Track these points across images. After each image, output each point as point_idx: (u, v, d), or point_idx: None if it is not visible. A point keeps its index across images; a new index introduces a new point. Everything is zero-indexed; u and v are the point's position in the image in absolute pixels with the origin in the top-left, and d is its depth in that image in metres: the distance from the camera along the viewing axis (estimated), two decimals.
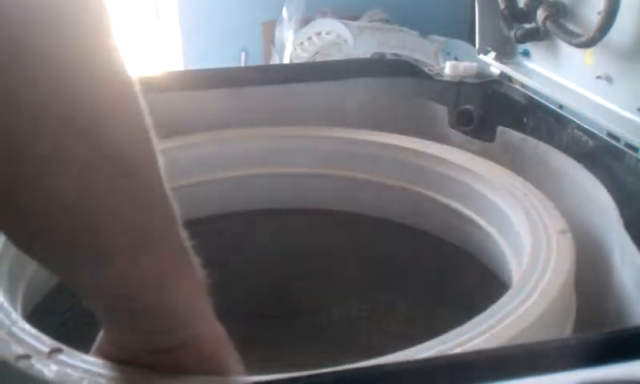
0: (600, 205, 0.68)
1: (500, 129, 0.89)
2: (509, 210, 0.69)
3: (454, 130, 0.93)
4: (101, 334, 0.47)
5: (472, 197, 0.75)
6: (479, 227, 0.74)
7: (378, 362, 0.43)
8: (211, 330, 0.46)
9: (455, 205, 0.78)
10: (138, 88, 0.39)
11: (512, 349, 0.40)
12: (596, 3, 0.79)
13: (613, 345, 0.39)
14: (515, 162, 0.83)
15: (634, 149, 0.73)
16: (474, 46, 1.02)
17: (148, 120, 0.40)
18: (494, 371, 0.36)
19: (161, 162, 0.41)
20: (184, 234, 0.43)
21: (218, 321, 0.47)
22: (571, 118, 0.82)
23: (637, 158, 0.70)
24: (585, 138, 0.78)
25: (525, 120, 0.90)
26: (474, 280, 0.74)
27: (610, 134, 0.77)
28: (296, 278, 0.92)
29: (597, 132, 0.78)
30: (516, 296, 0.54)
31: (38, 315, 0.63)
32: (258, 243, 0.90)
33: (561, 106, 0.86)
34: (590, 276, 0.65)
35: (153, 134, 0.40)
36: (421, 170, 0.81)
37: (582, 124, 0.80)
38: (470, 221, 0.76)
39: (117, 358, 0.45)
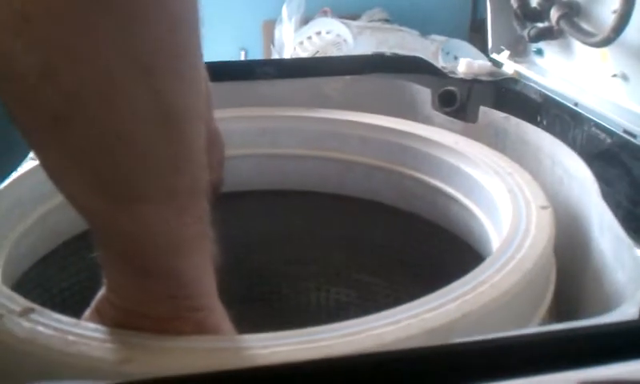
0: (579, 178, 0.69)
1: (482, 109, 0.90)
2: (492, 189, 0.69)
3: (436, 112, 0.93)
4: (99, 295, 0.46)
5: (457, 177, 0.76)
6: (464, 207, 0.75)
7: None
8: (212, 309, 0.46)
9: (441, 185, 0.78)
10: (200, 47, 0.40)
11: (512, 348, 0.40)
12: (610, 2, 0.80)
13: (613, 344, 0.39)
14: (498, 141, 0.85)
15: None
16: (474, 45, 1.03)
17: (202, 84, 0.40)
18: (493, 371, 0.36)
19: (203, 126, 0.41)
20: (207, 206, 0.43)
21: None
22: (587, 115, 0.83)
23: None
24: (601, 135, 0.79)
25: (539, 118, 0.91)
26: (460, 260, 0.74)
27: (626, 131, 0.78)
28: (280, 260, 0.91)
29: (613, 129, 0.78)
30: (491, 266, 0.54)
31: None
32: (242, 225, 0.88)
33: (576, 104, 0.87)
34: (569, 245, 0.66)
35: (202, 96, 0.41)
36: (407, 150, 0.81)
37: (598, 121, 0.80)
38: (455, 201, 0.76)
39: (114, 319, 0.45)
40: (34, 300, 0.48)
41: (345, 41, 2.30)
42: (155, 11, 0.36)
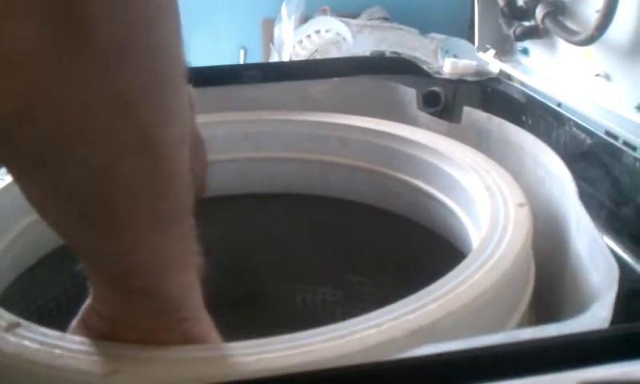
0: (558, 178, 0.69)
1: (466, 109, 0.89)
2: (471, 187, 0.70)
3: (422, 112, 0.93)
4: (86, 304, 0.47)
5: (437, 176, 0.76)
6: (444, 205, 0.75)
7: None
8: (198, 319, 0.46)
9: (421, 184, 0.79)
10: (183, 73, 0.39)
11: (511, 348, 0.40)
12: (595, 1, 0.79)
13: (613, 344, 0.39)
14: (481, 141, 0.85)
15: (632, 147, 0.73)
16: (474, 44, 1.02)
17: (185, 108, 0.40)
18: (493, 371, 0.36)
19: (187, 147, 0.41)
20: (193, 222, 0.44)
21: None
22: (569, 116, 0.82)
23: (635, 157, 0.70)
24: (583, 136, 0.79)
25: (523, 118, 0.90)
26: (442, 258, 0.75)
27: (608, 133, 0.77)
28: (263, 263, 0.92)
29: (595, 130, 0.78)
30: (470, 265, 0.54)
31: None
32: (226, 230, 0.88)
33: (559, 104, 0.86)
34: (549, 246, 0.66)
35: (186, 121, 0.41)
36: (387, 151, 0.82)
37: (581, 122, 0.80)
38: (435, 199, 0.77)
39: (100, 330, 0.45)
40: (20, 313, 0.49)
41: (344, 39, 2.29)
42: (135, 48, 0.35)
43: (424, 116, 0.93)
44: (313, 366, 0.42)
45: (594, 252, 0.58)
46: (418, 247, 0.82)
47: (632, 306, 0.52)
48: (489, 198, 0.65)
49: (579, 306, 0.60)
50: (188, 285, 0.45)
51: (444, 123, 0.91)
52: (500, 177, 0.69)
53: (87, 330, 0.46)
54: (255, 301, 0.93)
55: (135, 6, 0.34)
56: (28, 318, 0.48)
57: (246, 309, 0.92)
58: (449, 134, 0.83)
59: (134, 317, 0.44)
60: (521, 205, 0.63)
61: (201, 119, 0.79)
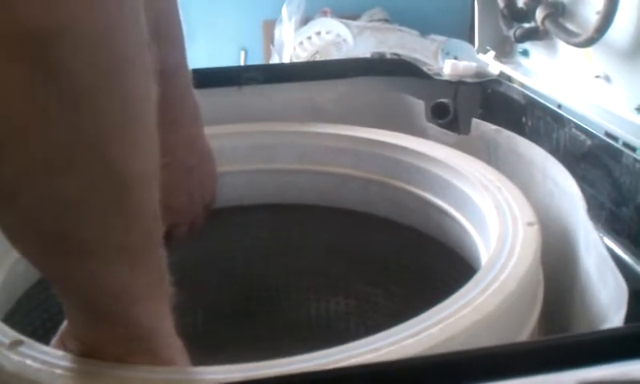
0: (568, 194, 0.69)
1: (474, 121, 0.90)
2: (481, 203, 0.70)
3: (430, 124, 0.94)
4: (63, 325, 0.48)
5: (449, 191, 0.76)
6: (456, 221, 0.75)
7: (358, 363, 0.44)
8: (168, 346, 0.47)
9: (432, 198, 0.79)
10: (154, 109, 0.40)
11: (511, 348, 0.40)
12: (595, 3, 0.79)
13: (613, 344, 0.39)
14: (490, 153, 0.85)
15: (632, 148, 0.73)
16: (474, 45, 1.02)
17: (156, 143, 0.41)
18: (493, 371, 0.36)
19: (157, 181, 0.42)
20: (163, 253, 0.45)
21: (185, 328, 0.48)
22: (569, 117, 0.82)
23: (634, 158, 0.71)
24: (583, 137, 0.79)
25: (523, 119, 0.90)
26: (455, 272, 0.75)
27: (607, 134, 0.77)
28: (275, 273, 0.92)
29: (595, 131, 0.78)
30: (474, 287, 0.53)
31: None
32: (238, 240, 0.90)
33: (559, 106, 0.86)
34: (558, 262, 0.66)
35: (156, 156, 0.41)
36: (401, 164, 0.82)
37: (581, 123, 0.80)
38: (447, 214, 0.77)
39: (76, 350, 0.46)
40: (28, 326, 0.49)
41: (345, 41, 2.29)
42: (105, 88, 0.36)
43: (432, 127, 0.93)
44: None
45: (602, 270, 0.58)
46: (430, 260, 0.82)
47: (632, 308, 0.52)
48: (498, 216, 0.64)
49: (587, 325, 0.60)
50: (158, 314, 0.46)
51: (453, 135, 0.91)
52: (510, 194, 0.68)
53: (65, 349, 0.47)
54: (265, 311, 0.93)
55: (106, 48, 0.35)
56: (33, 333, 0.49)
57: (258, 318, 0.93)
58: (457, 146, 0.83)
59: (105, 343, 0.45)
60: (530, 224, 0.63)
61: (215, 130, 0.81)
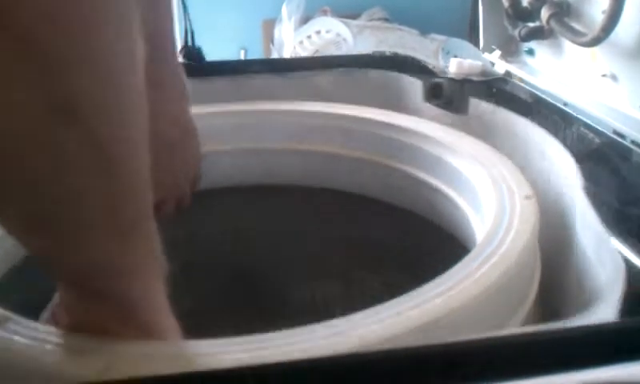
0: (564, 171, 0.68)
1: (472, 101, 0.89)
2: (476, 180, 0.69)
3: (427, 104, 0.93)
4: (54, 298, 0.48)
5: (441, 168, 0.76)
6: (448, 198, 0.74)
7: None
8: (159, 322, 0.46)
9: (425, 176, 0.78)
10: (138, 69, 0.38)
11: (511, 347, 0.40)
12: (600, 2, 0.79)
13: (614, 344, 0.39)
14: (488, 133, 0.84)
15: None
16: (474, 45, 1.03)
17: (141, 107, 0.39)
18: (493, 370, 0.36)
19: (147, 155, 0.40)
20: (154, 227, 0.43)
21: (178, 311, 0.47)
22: (577, 115, 0.82)
23: None
24: (591, 135, 0.79)
25: (530, 118, 0.90)
26: (447, 251, 0.74)
27: (615, 132, 0.77)
28: (263, 257, 0.90)
29: (603, 130, 0.78)
30: (474, 260, 0.53)
31: None
32: (226, 222, 0.88)
33: (565, 104, 0.86)
34: (555, 241, 0.65)
35: (143, 125, 0.39)
36: (392, 142, 0.81)
37: (588, 121, 0.80)
38: (439, 192, 0.76)
39: (68, 323, 0.45)
40: (15, 304, 0.48)
41: (344, 40, 2.29)
42: (75, 51, 0.34)
43: (429, 107, 0.92)
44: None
45: (599, 248, 0.57)
46: (422, 240, 0.81)
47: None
48: (494, 190, 0.64)
49: (585, 303, 0.59)
50: (150, 288, 0.45)
51: (450, 115, 0.91)
52: (507, 169, 0.68)
53: (56, 323, 0.46)
54: (255, 293, 0.93)
55: (73, 9, 0.33)
56: (20, 310, 0.48)
57: (248, 303, 0.91)
58: (455, 126, 0.82)
59: (95, 317, 0.44)
60: (527, 197, 0.62)
61: (201, 110, 0.78)
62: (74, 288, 0.44)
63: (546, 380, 0.35)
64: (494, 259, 0.53)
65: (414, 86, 0.94)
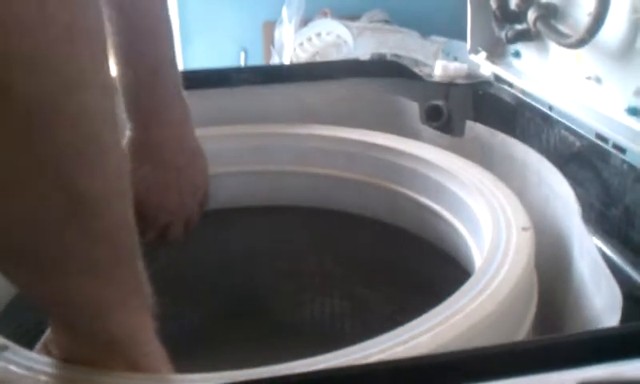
0: (562, 198, 0.68)
1: (469, 123, 0.89)
2: (476, 209, 0.69)
3: (424, 126, 0.93)
4: (47, 330, 0.49)
5: (443, 194, 0.76)
6: (450, 224, 0.75)
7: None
8: (147, 354, 0.47)
9: (427, 201, 0.78)
10: (120, 133, 0.40)
11: (511, 347, 0.40)
12: (586, 4, 0.79)
13: (612, 344, 0.39)
14: (485, 156, 0.84)
15: (622, 150, 0.73)
16: None
17: (120, 161, 0.40)
18: (493, 370, 0.36)
19: (126, 198, 0.41)
20: (139, 264, 0.44)
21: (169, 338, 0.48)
22: (559, 119, 0.82)
23: (623, 159, 0.70)
24: (572, 138, 0.78)
25: (514, 121, 0.90)
26: (449, 275, 0.74)
27: (598, 135, 0.77)
28: (271, 276, 0.93)
29: (585, 133, 0.78)
30: (466, 294, 0.53)
31: None
32: (233, 242, 0.90)
33: (550, 107, 0.86)
34: (553, 267, 0.65)
35: (121, 174, 0.40)
36: (395, 167, 0.82)
37: (571, 125, 0.80)
38: (441, 217, 0.76)
39: (58, 355, 0.46)
40: (11, 334, 0.49)
41: (345, 42, 2.29)
42: (56, 108, 0.35)
43: (426, 129, 0.93)
44: None
45: (596, 276, 0.57)
46: (424, 262, 0.82)
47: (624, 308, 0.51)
48: (491, 220, 0.64)
49: (581, 329, 0.60)
50: (133, 324, 0.45)
51: (446, 137, 0.91)
52: (505, 198, 0.68)
53: (48, 354, 0.47)
54: (261, 312, 0.93)
55: (56, 68, 0.34)
56: (19, 339, 0.49)
57: (252, 320, 0.92)
58: (451, 148, 0.82)
59: (83, 349, 0.45)
60: (524, 229, 0.62)
61: (208, 132, 0.81)
62: (62, 324, 0.45)
63: (544, 378, 0.36)
64: (485, 293, 0.53)
65: (411, 108, 0.95)
